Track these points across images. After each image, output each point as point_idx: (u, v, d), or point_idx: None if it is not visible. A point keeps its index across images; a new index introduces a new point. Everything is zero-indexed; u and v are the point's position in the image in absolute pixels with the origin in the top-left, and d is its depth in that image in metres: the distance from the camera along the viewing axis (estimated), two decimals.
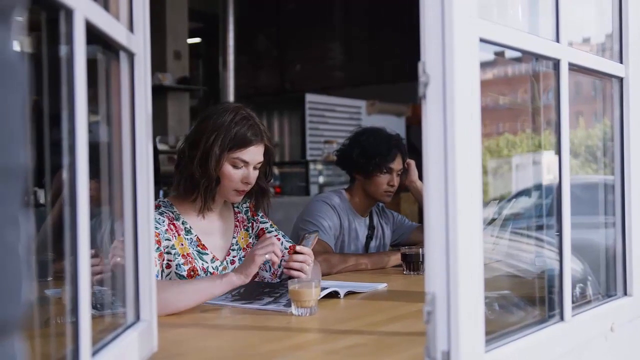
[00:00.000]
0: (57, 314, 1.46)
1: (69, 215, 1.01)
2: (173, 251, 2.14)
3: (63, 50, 1.03)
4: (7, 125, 0.54)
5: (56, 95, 1.04)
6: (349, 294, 2.17)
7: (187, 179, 2.19)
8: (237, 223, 2.37)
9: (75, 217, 1.01)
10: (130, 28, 1.36)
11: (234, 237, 2.34)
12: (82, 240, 1.02)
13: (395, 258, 2.82)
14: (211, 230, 2.28)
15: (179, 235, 2.18)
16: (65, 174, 1.03)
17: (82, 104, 1.03)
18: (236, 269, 2.03)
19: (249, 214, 2.41)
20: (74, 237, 1.01)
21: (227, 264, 2.28)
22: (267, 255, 1.98)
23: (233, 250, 2.32)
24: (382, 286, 2.34)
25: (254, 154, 2.21)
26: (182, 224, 2.21)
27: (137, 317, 1.38)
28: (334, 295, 2.10)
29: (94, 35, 1.12)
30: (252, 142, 2.19)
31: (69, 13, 1.00)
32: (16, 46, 0.57)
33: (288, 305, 1.89)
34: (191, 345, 1.62)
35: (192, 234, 2.21)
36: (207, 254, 2.22)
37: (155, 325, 1.42)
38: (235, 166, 2.19)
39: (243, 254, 2.33)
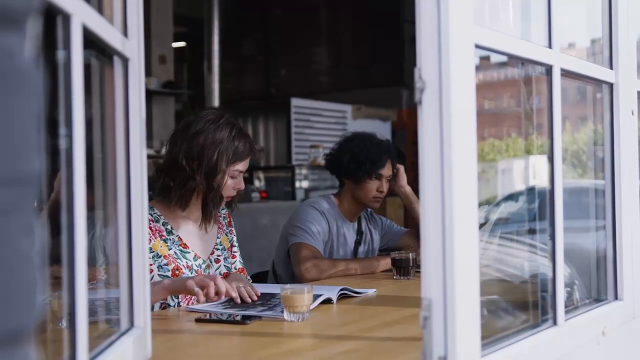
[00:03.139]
0: (49, 320, 1.45)
1: (66, 221, 1.01)
2: (151, 254, 2.19)
3: (60, 54, 1.03)
4: (22, 133, 0.53)
5: (52, 99, 1.03)
6: (342, 297, 2.17)
7: (189, 192, 2.26)
8: (220, 225, 2.46)
9: (72, 223, 1.00)
10: (125, 33, 1.35)
11: (217, 237, 2.42)
12: (79, 246, 1.01)
13: (385, 263, 2.82)
14: (194, 232, 2.35)
15: (156, 238, 2.23)
16: (62, 179, 1.02)
17: (79, 109, 1.02)
18: (169, 281, 2.03)
19: (226, 220, 2.51)
20: (71, 243, 1.00)
21: (210, 262, 2.37)
22: (196, 289, 1.92)
23: (217, 249, 2.41)
24: (371, 291, 2.34)
25: (247, 163, 2.35)
26: (163, 225, 2.27)
27: (131, 324, 1.37)
28: (326, 300, 2.10)
29: (89, 40, 1.12)
30: (250, 154, 2.33)
31: (67, 18, 1.00)
32: (30, 52, 0.56)
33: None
34: (185, 352, 1.62)
35: (173, 234, 2.28)
36: (189, 252, 2.29)
37: (149, 332, 1.41)
38: (232, 177, 2.30)
39: (227, 254, 2.44)
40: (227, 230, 2.49)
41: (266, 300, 2.13)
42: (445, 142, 1.17)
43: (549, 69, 1.53)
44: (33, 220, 0.56)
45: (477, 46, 1.25)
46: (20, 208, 0.54)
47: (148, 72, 7.33)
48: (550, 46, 1.53)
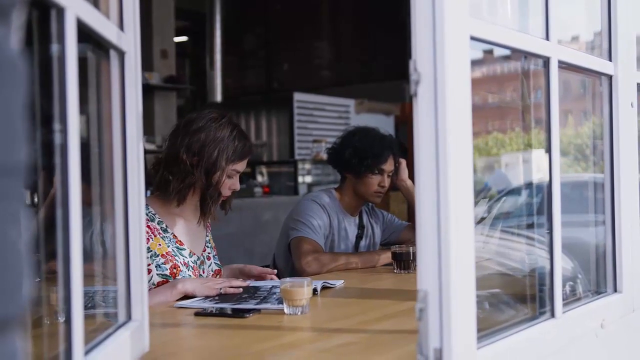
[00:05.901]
0: (46, 314, 1.45)
1: (61, 216, 1.01)
2: (149, 253, 2.21)
3: (54, 48, 1.03)
4: (9, 123, 0.54)
5: (47, 94, 1.03)
6: (324, 288, 2.23)
7: (187, 187, 2.28)
8: (208, 224, 2.50)
9: (67, 218, 1.01)
10: (121, 26, 1.35)
11: (207, 236, 2.47)
12: (74, 240, 1.01)
13: (386, 257, 2.82)
14: (186, 229, 2.38)
15: (155, 236, 2.26)
16: (56, 174, 1.02)
17: (73, 103, 1.02)
18: (184, 280, 2.16)
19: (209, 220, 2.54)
20: (66, 237, 1.01)
21: (204, 258, 2.41)
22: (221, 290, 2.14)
23: (208, 247, 2.45)
24: (339, 283, 2.38)
25: (245, 164, 2.38)
26: (158, 223, 2.30)
27: (129, 317, 1.37)
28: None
29: (84, 34, 1.12)
30: (248, 155, 2.36)
31: (60, 11, 1.00)
32: (16, 44, 0.57)
33: (280, 302, 1.89)
34: (182, 345, 1.62)
35: (168, 232, 2.31)
36: (185, 249, 2.33)
37: (146, 325, 1.42)
38: (229, 176, 2.32)
39: (215, 252, 2.48)
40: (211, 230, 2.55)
41: (253, 293, 2.13)
42: (440, 134, 1.17)
43: (546, 61, 1.53)
44: (20, 210, 0.57)
45: (473, 38, 1.25)
46: (7, 198, 0.54)
47: (150, 67, 7.33)
48: (547, 38, 1.53)
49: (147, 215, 2.26)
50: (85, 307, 1.16)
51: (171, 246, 2.28)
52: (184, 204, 2.32)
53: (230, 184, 2.33)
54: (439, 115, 1.17)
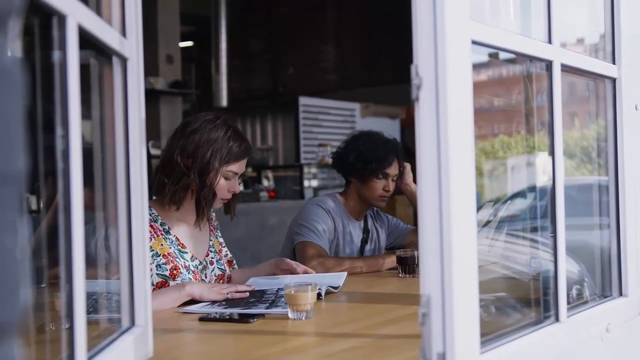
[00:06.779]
0: (50, 320, 1.46)
1: (63, 222, 1.01)
2: (151, 252, 2.20)
3: (56, 55, 1.03)
4: (5, 131, 0.54)
5: (49, 100, 1.04)
6: (328, 293, 2.22)
7: (182, 189, 2.28)
8: (212, 228, 2.49)
9: (69, 224, 1.01)
10: (123, 33, 1.35)
11: (210, 240, 2.46)
12: (76, 246, 1.01)
13: (390, 261, 2.82)
14: (189, 233, 2.38)
15: (157, 236, 2.27)
16: (59, 180, 1.03)
17: (75, 109, 1.03)
18: (192, 283, 2.16)
19: (216, 223, 2.55)
20: (68, 243, 1.01)
21: (206, 263, 2.40)
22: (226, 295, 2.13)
23: (211, 251, 2.44)
24: (342, 277, 2.39)
25: (243, 166, 2.36)
26: (161, 225, 2.30)
27: (132, 323, 1.37)
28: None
29: (86, 40, 1.12)
30: (244, 156, 2.34)
31: (62, 19, 1.00)
32: (13, 52, 0.57)
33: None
34: (186, 351, 1.62)
35: (171, 234, 2.31)
36: (187, 252, 2.33)
37: (150, 331, 1.42)
38: (226, 178, 2.32)
39: (218, 257, 2.47)
40: (217, 234, 2.53)
41: (260, 297, 2.13)
42: (442, 138, 1.17)
43: (548, 65, 1.53)
44: (17, 218, 0.57)
45: (474, 42, 1.25)
46: (4, 206, 0.54)
47: (155, 72, 7.34)
48: (550, 41, 1.52)
49: (150, 216, 2.26)
50: (88, 312, 1.16)
51: (173, 248, 2.28)
52: (182, 207, 2.31)
53: (229, 186, 2.32)
54: (440, 119, 1.17)
